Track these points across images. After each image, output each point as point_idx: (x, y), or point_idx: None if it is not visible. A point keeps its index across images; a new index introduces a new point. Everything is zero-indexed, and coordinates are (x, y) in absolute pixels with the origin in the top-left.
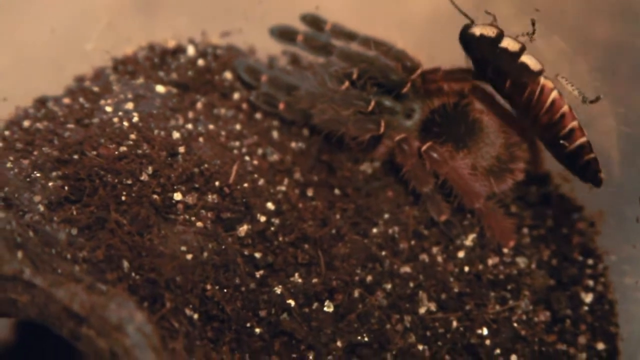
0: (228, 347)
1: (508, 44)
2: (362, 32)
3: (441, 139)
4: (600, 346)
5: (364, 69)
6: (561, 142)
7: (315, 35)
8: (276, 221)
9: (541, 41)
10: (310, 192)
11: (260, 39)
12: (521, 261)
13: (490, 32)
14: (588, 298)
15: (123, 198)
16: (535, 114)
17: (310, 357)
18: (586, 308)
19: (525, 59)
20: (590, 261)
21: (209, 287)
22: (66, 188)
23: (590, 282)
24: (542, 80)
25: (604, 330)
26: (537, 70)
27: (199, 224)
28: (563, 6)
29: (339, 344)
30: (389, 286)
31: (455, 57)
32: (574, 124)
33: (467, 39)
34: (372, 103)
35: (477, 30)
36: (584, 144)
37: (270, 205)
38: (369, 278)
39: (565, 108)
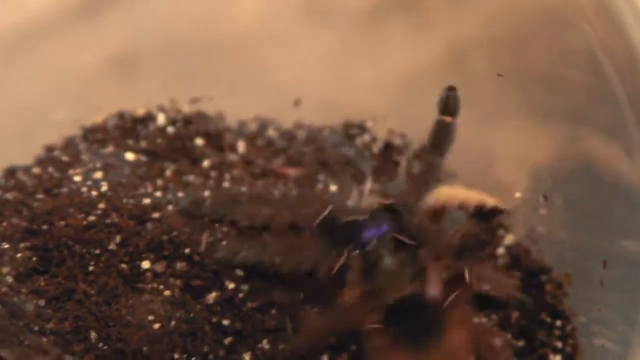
0: None
1: None
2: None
3: None
4: None
5: None
6: None
7: None
8: (245, 288)
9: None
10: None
11: (230, 105)
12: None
13: None
14: None
15: (91, 268)
16: None
17: None
18: None
19: None
20: (558, 323)
21: (177, 356)
22: (35, 259)
23: (559, 344)
24: None
25: None
26: None
27: (167, 292)
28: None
29: None
30: (354, 347)
31: (428, 115)
32: None
33: None
34: None
35: None
36: None
37: (239, 272)
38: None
39: None
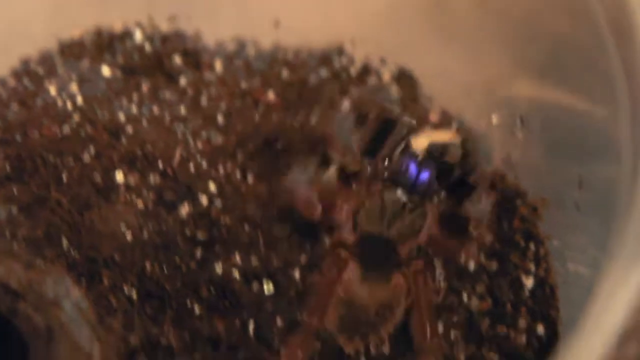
0: (168, 324)
1: None
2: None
3: None
4: (540, 330)
5: None
6: None
7: None
8: (218, 203)
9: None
10: (253, 174)
11: (208, 24)
12: None
13: None
14: (529, 282)
15: (64, 178)
16: None
17: (252, 332)
18: (527, 292)
19: None
20: (532, 246)
21: (148, 266)
22: (7, 167)
23: (532, 267)
24: None
25: (544, 314)
26: None
27: (140, 204)
28: None
29: (279, 322)
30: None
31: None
32: None
33: None
34: None
35: None
36: None
37: (212, 187)
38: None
39: None
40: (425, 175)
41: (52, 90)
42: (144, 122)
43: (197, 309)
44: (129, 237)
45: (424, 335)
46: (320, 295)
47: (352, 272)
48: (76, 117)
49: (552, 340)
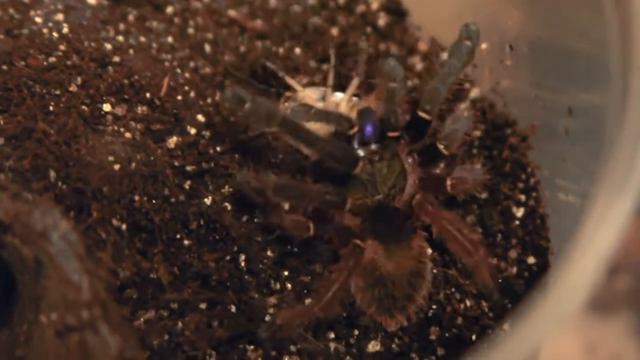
0: (159, 257)
1: None
2: None
3: None
4: (531, 260)
5: None
6: None
7: None
8: (207, 133)
9: None
10: None
11: None
12: None
13: None
14: (519, 212)
15: (51, 108)
16: None
17: (243, 264)
18: (517, 222)
19: None
20: (522, 176)
21: (137, 198)
22: None
23: (522, 197)
24: None
25: (534, 244)
26: None
27: (128, 135)
28: None
29: (269, 253)
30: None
31: None
32: None
33: None
34: None
35: None
36: None
37: (200, 118)
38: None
39: None
40: (368, 128)
41: (38, 19)
42: (131, 52)
43: (186, 242)
44: (116, 167)
45: (470, 252)
46: (328, 285)
47: (374, 250)
48: (62, 47)
49: (542, 270)
